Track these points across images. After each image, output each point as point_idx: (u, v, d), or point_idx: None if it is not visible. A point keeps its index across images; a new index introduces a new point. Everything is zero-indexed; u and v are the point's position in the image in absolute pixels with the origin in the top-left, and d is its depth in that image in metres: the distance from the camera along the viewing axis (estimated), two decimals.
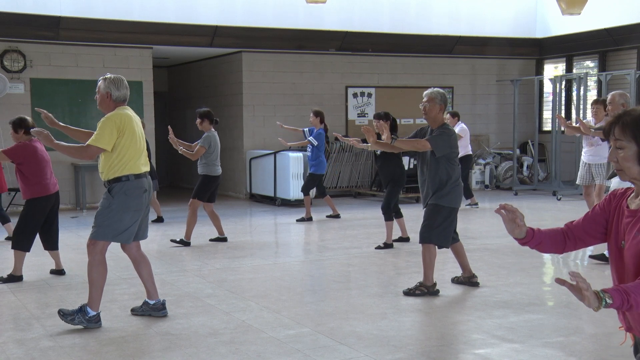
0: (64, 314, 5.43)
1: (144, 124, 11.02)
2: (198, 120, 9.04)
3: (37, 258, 7.88)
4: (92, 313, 5.42)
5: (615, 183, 7.49)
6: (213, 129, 9.09)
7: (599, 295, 2.36)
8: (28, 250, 7.12)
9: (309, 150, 11.18)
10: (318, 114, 11.27)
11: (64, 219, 10.56)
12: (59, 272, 7.36)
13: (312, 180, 11.29)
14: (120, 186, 5.40)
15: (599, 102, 9.07)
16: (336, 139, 14.47)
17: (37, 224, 7.10)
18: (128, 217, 5.44)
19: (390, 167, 8.67)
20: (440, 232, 6.28)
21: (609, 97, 8.17)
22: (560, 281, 2.43)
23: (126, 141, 5.38)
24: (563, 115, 15.22)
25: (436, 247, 6.35)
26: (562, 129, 13.58)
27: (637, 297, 2.38)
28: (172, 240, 9.16)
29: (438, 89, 6.45)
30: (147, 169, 5.59)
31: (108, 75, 5.57)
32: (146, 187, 5.52)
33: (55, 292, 6.67)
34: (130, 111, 5.55)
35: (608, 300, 2.36)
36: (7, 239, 9.40)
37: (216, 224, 9.36)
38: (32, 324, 5.58)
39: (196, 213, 9.04)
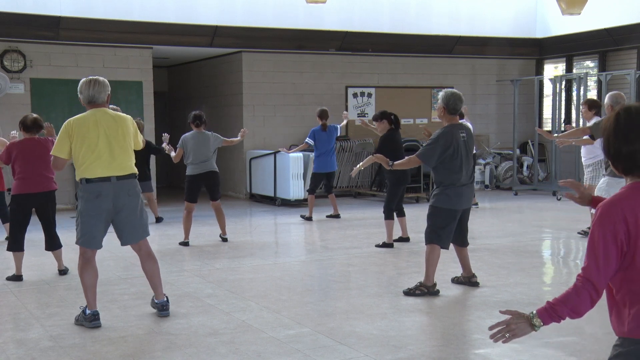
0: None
1: (141, 124, 11.05)
2: None
3: (37, 258, 7.88)
4: (87, 312, 5.47)
5: (601, 183, 7.48)
6: (202, 130, 9.13)
7: (531, 321, 2.58)
8: (15, 249, 7.08)
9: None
10: (318, 112, 11.30)
11: (64, 219, 10.56)
12: (60, 272, 7.35)
13: (312, 179, 11.36)
14: (79, 190, 5.49)
15: (586, 102, 9.26)
16: (335, 138, 14.54)
17: (17, 221, 7.05)
18: (86, 221, 5.40)
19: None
20: (439, 232, 6.31)
21: None
22: (502, 312, 2.69)
23: (75, 146, 5.38)
24: (563, 115, 15.25)
25: (440, 248, 6.35)
26: (563, 128, 13.60)
27: (562, 308, 2.53)
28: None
29: (447, 90, 6.53)
30: (109, 173, 5.38)
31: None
32: (100, 191, 5.34)
33: (55, 292, 6.67)
34: (93, 114, 5.43)
35: (537, 324, 2.59)
36: (7, 238, 9.39)
37: (219, 223, 9.38)
38: (32, 324, 5.58)
39: (190, 214, 9.12)
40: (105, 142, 5.40)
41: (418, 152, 6.41)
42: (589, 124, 8.36)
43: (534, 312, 2.59)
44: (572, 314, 2.54)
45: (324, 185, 11.53)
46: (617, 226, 2.46)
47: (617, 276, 2.52)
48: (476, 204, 12.42)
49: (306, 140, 11.30)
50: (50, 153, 5.50)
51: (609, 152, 2.58)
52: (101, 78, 5.57)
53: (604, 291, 2.57)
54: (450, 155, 6.23)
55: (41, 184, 7.04)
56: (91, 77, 5.59)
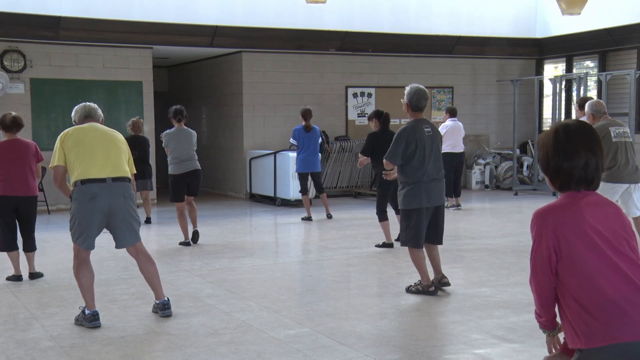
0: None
1: (140, 122, 11.03)
2: None
3: (37, 258, 7.86)
4: (86, 312, 5.48)
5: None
6: (183, 126, 9.05)
7: (544, 334, 2.87)
8: (7, 249, 7.03)
9: None
10: (302, 112, 11.23)
11: (60, 219, 10.56)
12: (31, 275, 7.17)
13: (299, 180, 11.33)
14: (73, 192, 5.49)
15: (577, 102, 9.59)
16: (335, 138, 14.55)
17: (3, 222, 6.98)
18: (78, 223, 5.42)
19: (382, 167, 8.71)
20: (407, 233, 6.26)
21: None
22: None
23: (69, 152, 5.46)
24: (563, 115, 15.25)
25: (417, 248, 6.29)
26: None
27: (536, 312, 2.85)
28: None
29: (412, 86, 6.41)
30: (104, 174, 5.39)
31: None
32: (95, 192, 5.35)
33: (55, 292, 6.67)
34: (90, 124, 5.64)
35: (545, 332, 2.87)
36: None
37: (191, 216, 9.20)
38: (32, 324, 5.58)
39: (182, 214, 9.05)
40: (101, 145, 5.49)
41: (385, 154, 6.32)
42: None
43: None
44: (537, 316, 2.83)
45: (313, 187, 11.49)
46: (546, 235, 2.52)
47: (562, 289, 2.58)
48: (458, 205, 12.19)
49: (291, 141, 11.32)
50: (49, 167, 5.58)
51: (548, 168, 2.56)
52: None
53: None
54: (413, 152, 6.13)
55: (22, 188, 6.95)
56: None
